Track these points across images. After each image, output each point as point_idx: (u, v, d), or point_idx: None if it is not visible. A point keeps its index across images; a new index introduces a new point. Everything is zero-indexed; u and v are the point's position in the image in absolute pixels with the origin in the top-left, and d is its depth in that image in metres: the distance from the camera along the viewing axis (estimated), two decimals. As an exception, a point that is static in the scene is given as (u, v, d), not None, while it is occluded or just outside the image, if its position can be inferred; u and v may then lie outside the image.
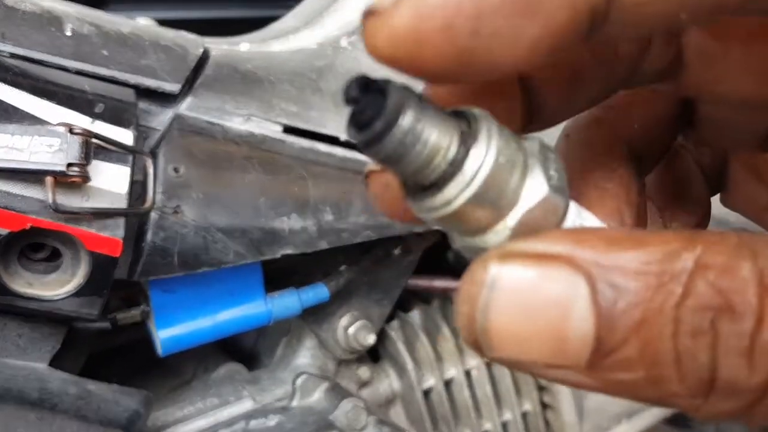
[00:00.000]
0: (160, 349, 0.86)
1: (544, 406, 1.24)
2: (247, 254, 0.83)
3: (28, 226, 0.67)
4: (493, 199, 0.23)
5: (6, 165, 0.66)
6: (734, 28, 0.26)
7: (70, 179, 0.68)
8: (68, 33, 0.76)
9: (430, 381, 1.12)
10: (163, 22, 0.99)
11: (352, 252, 1.01)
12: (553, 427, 1.23)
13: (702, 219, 0.35)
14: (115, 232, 0.71)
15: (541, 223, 0.23)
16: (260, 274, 0.93)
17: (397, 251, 1.05)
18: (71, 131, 0.68)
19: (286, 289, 0.96)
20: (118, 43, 0.79)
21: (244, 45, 0.91)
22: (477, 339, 0.22)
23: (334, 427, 0.99)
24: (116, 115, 0.74)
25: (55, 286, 0.72)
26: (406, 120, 0.21)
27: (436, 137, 0.22)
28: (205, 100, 0.83)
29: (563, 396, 1.21)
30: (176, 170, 0.79)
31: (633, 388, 0.20)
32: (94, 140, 0.70)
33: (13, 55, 0.72)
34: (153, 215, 0.77)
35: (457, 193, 0.22)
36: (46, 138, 0.67)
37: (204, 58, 0.84)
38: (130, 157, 0.73)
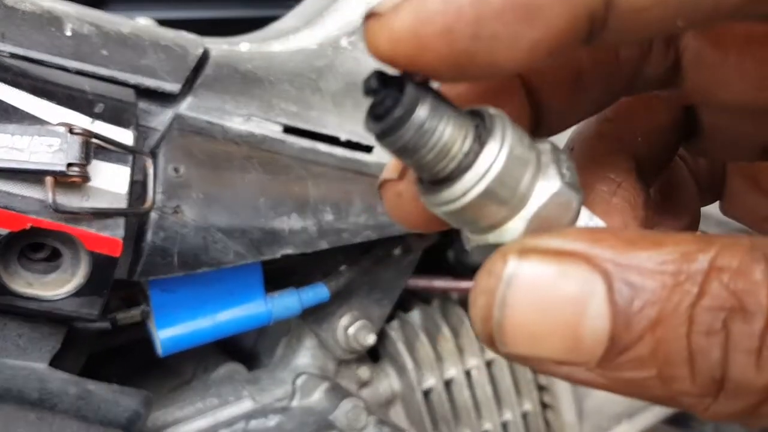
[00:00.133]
0: (160, 349, 0.86)
1: (544, 406, 1.24)
2: (247, 254, 0.83)
3: (28, 226, 0.67)
4: (506, 193, 0.23)
5: (6, 165, 0.66)
6: (731, 33, 0.26)
7: (70, 179, 0.68)
8: (68, 33, 0.76)
9: (430, 381, 1.12)
10: (163, 22, 0.99)
11: (352, 252, 1.01)
12: (553, 427, 1.23)
13: (687, 226, 0.35)
14: (115, 232, 0.71)
15: (555, 219, 0.24)
16: (260, 274, 0.93)
17: (397, 251, 1.05)
18: (71, 131, 0.68)
19: (286, 289, 0.96)
20: (118, 43, 0.79)
21: (244, 45, 0.91)
22: (491, 333, 0.22)
23: (334, 427, 0.99)
24: (116, 115, 0.74)
25: (55, 286, 0.72)
26: (423, 110, 0.22)
27: (451, 130, 0.22)
28: (205, 100, 0.83)
29: (563, 396, 1.21)
30: (176, 170, 0.79)
31: (643, 387, 0.21)
32: (94, 140, 0.70)
33: (13, 55, 0.72)
34: (153, 215, 0.77)
35: (471, 185, 0.22)
36: (46, 138, 0.67)
37: (204, 58, 0.84)
38: (130, 157, 0.73)
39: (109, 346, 1.01)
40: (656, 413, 1.30)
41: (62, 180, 0.68)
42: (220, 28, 1.06)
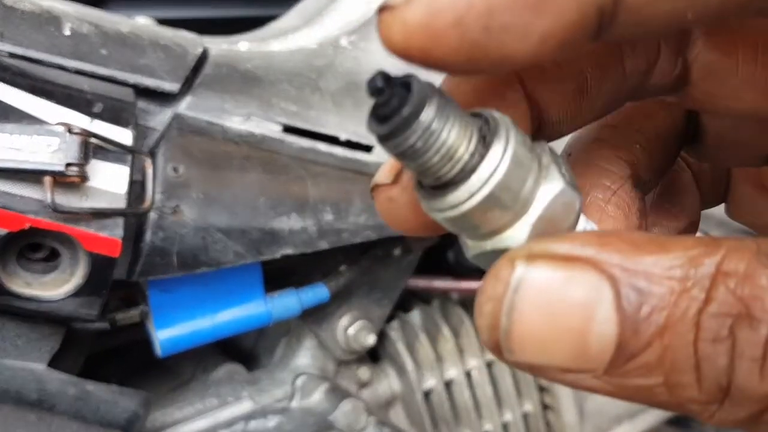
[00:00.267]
0: (159, 350, 0.86)
1: (545, 407, 1.24)
2: (247, 254, 0.83)
3: (26, 226, 0.67)
4: (511, 196, 0.22)
5: (5, 165, 0.66)
6: (742, 43, 0.26)
7: (69, 179, 0.67)
8: (67, 32, 0.76)
9: (431, 382, 1.12)
10: (162, 21, 0.99)
11: (352, 252, 1.01)
12: (554, 428, 1.23)
13: (687, 228, 0.35)
14: (113, 232, 0.71)
15: (559, 221, 0.23)
16: (260, 274, 0.93)
17: (397, 251, 1.05)
18: (70, 131, 0.68)
19: (286, 290, 0.96)
20: (117, 42, 0.78)
21: (243, 44, 0.91)
22: (498, 341, 0.22)
23: (334, 427, 0.99)
24: (115, 115, 0.73)
25: (54, 287, 0.72)
26: (430, 111, 0.21)
27: (457, 132, 0.22)
28: (204, 100, 0.83)
29: (564, 397, 1.21)
30: (175, 170, 0.79)
31: (649, 394, 0.21)
32: (92, 140, 0.70)
33: (11, 55, 0.72)
34: (152, 215, 0.77)
35: (476, 190, 0.22)
36: (45, 138, 0.67)
37: (203, 57, 0.84)
38: (129, 157, 0.73)
39: (108, 346, 1.01)
40: (657, 414, 1.29)
41: (61, 180, 0.67)
42: (220, 27, 1.06)
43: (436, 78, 0.23)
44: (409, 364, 1.10)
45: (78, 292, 0.72)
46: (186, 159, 0.80)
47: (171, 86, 0.80)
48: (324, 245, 0.88)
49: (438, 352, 1.13)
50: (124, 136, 0.73)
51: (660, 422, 1.31)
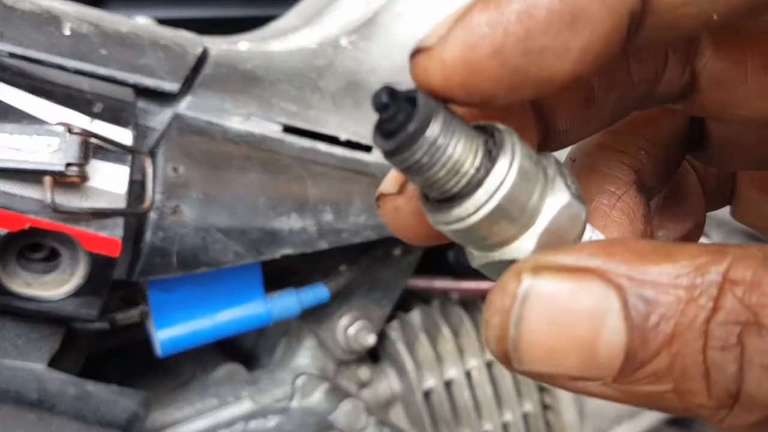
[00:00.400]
0: (159, 350, 0.86)
1: (545, 407, 1.24)
2: (247, 254, 0.83)
3: (26, 226, 0.67)
4: (516, 210, 0.22)
5: (4, 165, 0.66)
6: (752, 51, 0.26)
7: (69, 179, 0.67)
8: (67, 32, 0.76)
9: (431, 382, 1.12)
10: (162, 21, 0.99)
11: (352, 252, 1.01)
12: (554, 428, 1.23)
13: (692, 230, 0.35)
14: (113, 232, 0.71)
15: (564, 233, 0.23)
16: (260, 274, 0.93)
17: (397, 251, 1.05)
18: (70, 131, 0.68)
19: (286, 290, 0.96)
20: (116, 42, 0.78)
21: (243, 44, 0.91)
22: (507, 352, 0.22)
23: (334, 427, 0.99)
24: (115, 115, 0.73)
25: (54, 287, 0.72)
26: (436, 127, 0.21)
27: (462, 146, 0.22)
28: (204, 100, 0.83)
29: (564, 397, 1.21)
30: (175, 170, 0.79)
31: (659, 400, 0.21)
32: (92, 140, 0.70)
33: (11, 55, 0.72)
34: (152, 215, 0.77)
35: (482, 203, 0.22)
36: (45, 138, 0.67)
37: (203, 57, 0.84)
38: (129, 157, 0.73)
39: (108, 346, 1.01)
40: (657, 414, 1.29)
41: (61, 180, 0.67)
42: (220, 27, 1.06)
43: None
44: (409, 364, 1.10)
45: (78, 292, 0.72)
46: (186, 159, 0.80)
47: (171, 86, 0.80)
48: (324, 245, 0.88)
49: (438, 352, 1.13)
50: (124, 136, 0.73)
51: (660, 422, 1.31)
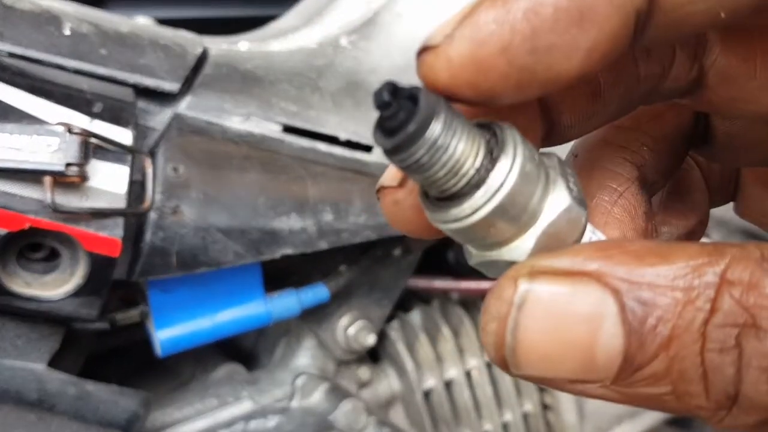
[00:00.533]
0: (159, 350, 0.86)
1: (545, 406, 1.24)
2: (247, 254, 0.83)
3: (26, 226, 0.67)
4: (517, 210, 0.22)
5: (4, 165, 0.66)
6: (761, 47, 0.26)
7: (69, 179, 0.67)
8: (66, 32, 0.76)
9: (431, 382, 1.12)
10: (162, 21, 0.99)
11: (352, 252, 1.01)
12: (554, 428, 1.23)
13: (696, 227, 0.35)
14: (113, 232, 0.71)
15: (564, 236, 0.23)
16: (260, 274, 0.92)
17: (397, 251, 1.05)
18: (70, 131, 0.68)
19: (286, 290, 0.96)
20: (116, 42, 0.78)
21: (243, 44, 0.91)
22: (505, 357, 0.22)
23: (334, 427, 0.99)
24: (115, 115, 0.73)
25: (54, 287, 0.72)
26: (438, 125, 0.21)
27: (463, 146, 0.22)
28: (204, 100, 0.83)
29: (564, 397, 1.21)
30: (175, 170, 0.79)
31: (658, 401, 0.21)
32: (92, 140, 0.70)
33: (11, 54, 0.72)
34: (152, 215, 0.77)
35: (484, 202, 0.22)
36: (45, 137, 0.67)
37: (203, 57, 0.84)
38: (129, 157, 0.73)
39: (108, 346, 1.01)
40: (657, 414, 1.29)
41: (61, 180, 0.67)
42: (220, 27, 1.06)
43: None
44: (409, 364, 1.10)
45: (78, 292, 0.72)
46: (186, 159, 0.80)
47: (171, 86, 0.80)
48: (324, 245, 0.88)
49: (438, 352, 1.13)
50: (124, 136, 0.73)
51: (660, 422, 1.31)
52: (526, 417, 1.20)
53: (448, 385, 1.14)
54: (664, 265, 0.20)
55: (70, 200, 0.69)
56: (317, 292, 0.97)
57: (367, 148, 0.91)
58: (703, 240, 0.33)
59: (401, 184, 0.26)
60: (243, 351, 1.15)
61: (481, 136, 0.22)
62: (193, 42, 0.84)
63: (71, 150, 0.67)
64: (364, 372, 1.10)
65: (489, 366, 1.16)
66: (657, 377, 0.20)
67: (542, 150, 0.25)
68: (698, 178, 0.36)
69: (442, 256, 1.18)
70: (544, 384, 0.22)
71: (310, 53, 0.92)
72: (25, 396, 0.73)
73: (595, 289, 0.20)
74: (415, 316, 1.14)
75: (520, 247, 0.23)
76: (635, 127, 0.31)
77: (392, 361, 1.13)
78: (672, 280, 0.20)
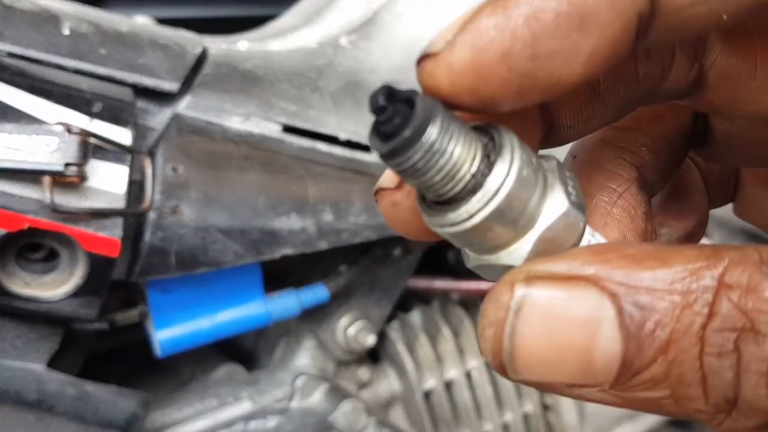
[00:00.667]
0: (158, 350, 0.86)
1: (545, 407, 1.23)
2: (246, 254, 0.83)
3: (25, 226, 0.67)
4: (514, 215, 0.22)
5: (3, 165, 0.65)
6: (761, 47, 0.26)
7: (68, 179, 0.67)
8: (66, 32, 0.75)
9: (431, 382, 1.11)
10: (161, 21, 0.99)
11: (352, 252, 1.00)
12: (554, 428, 1.23)
13: (695, 228, 0.35)
14: (112, 233, 0.70)
15: (561, 240, 0.23)
16: (259, 274, 0.92)
17: (397, 251, 1.04)
18: (69, 131, 0.67)
19: (286, 290, 0.96)
20: (116, 41, 0.78)
21: (242, 44, 0.91)
22: (502, 362, 0.22)
23: (334, 428, 0.99)
24: (114, 114, 0.73)
25: (53, 287, 0.72)
26: (434, 130, 0.21)
27: (460, 150, 0.21)
28: (203, 99, 0.83)
29: (564, 398, 1.20)
30: (175, 170, 0.78)
31: (657, 405, 0.21)
32: (92, 140, 0.69)
33: (10, 54, 0.72)
34: (151, 215, 0.76)
35: (480, 207, 0.22)
36: (44, 137, 0.67)
37: (203, 57, 0.84)
38: (129, 157, 0.73)
39: (108, 346, 1.01)
40: (657, 416, 1.29)
41: (60, 180, 0.67)
42: (219, 27, 1.06)
43: None
44: (409, 365, 1.10)
45: (77, 293, 0.72)
46: (185, 159, 0.80)
47: (170, 86, 0.80)
48: (324, 245, 0.88)
49: (438, 353, 1.13)
50: (123, 135, 0.73)
51: (660, 423, 1.31)
52: (526, 417, 1.20)
53: (448, 385, 1.14)
54: (662, 268, 0.20)
55: (69, 200, 0.68)
56: (317, 293, 0.97)
57: (367, 148, 0.91)
58: (704, 241, 0.33)
59: (399, 185, 0.26)
60: (243, 351, 1.15)
61: (478, 140, 0.22)
62: (192, 41, 0.84)
63: (70, 150, 0.67)
64: (363, 372, 1.09)
65: (489, 366, 1.16)
66: (655, 381, 0.20)
67: (541, 152, 0.25)
68: (697, 179, 0.35)
69: (442, 256, 1.18)
70: (542, 388, 0.22)
71: (310, 53, 0.92)
72: (25, 396, 0.73)
73: (593, 294, 0.20)
74: (415, 317, 1.14)
75: (518, 251, 0.23)
76: (634, 128, 0.31)
77: (392, 362, 1.13)
78: (670, 284, 0.20)
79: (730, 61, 0.27)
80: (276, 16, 1.09)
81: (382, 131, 0.21)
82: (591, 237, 0.26)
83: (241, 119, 0.85)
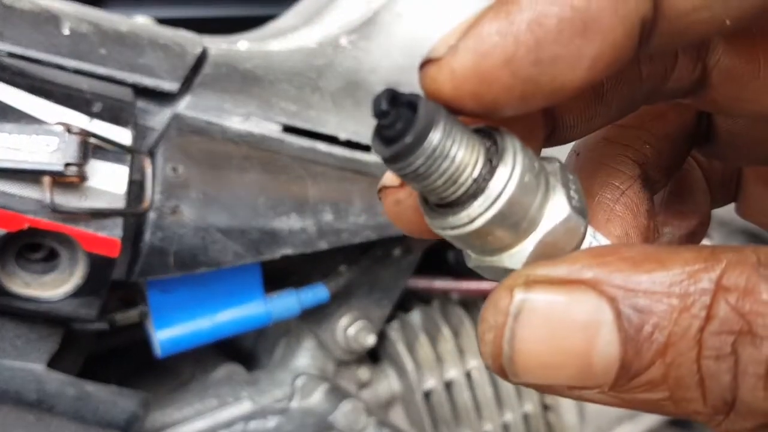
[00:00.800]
0: (158, 350, 0.86)
1: (545, 407, 1.23)
2: (246, 255, 0.83)
3: (25, 226, 0.67)
4: (515, 219, 0.22)
5: (3, 165, 0.65)
6: (764, 47, 0.26)
7: (68, 179, 0.67)
8: (66, 32, 0.75)
9: (431, 382, 1.11)
10: (161, 21, 0.99)
11: (352, 252, 1.00)
12: (554, 428, 1.23)
13: (697, 227, 0.35)
14: (112, 233, 0.70)
15: (561, 245, 0.23)
16: (259, 274, 0.92)
17: (397, 251, 1.04)
18: (69, 131, 0.67)
19: (286, 290, 0.96)
20: (116, 41, 0.78)
21: (242, 44, 0.91)
22: (502, 366, 0.22)
23: (334, 428, 0.99)
24: (114, 114, 0.73)
25: (53, 287, 0.72)
26: (436, 135, 0.21)
27: (462, 154, 0.21)
28: (203, 99, 0.83)
29: (564, 398, 1.20)
30: (175, 170, 0.78)
31: (656, 406, 0.21)
32: (92, 140, 0.69)
33: (10, 54, 0.72)
34: (151, 215, 0.76)
35: (481, 211, 0.22)
36: (44, 137, 0.67)
37: (203, 56, 0.84)
38: (129, 157, 0.73)
39: (108, 346, 1.01)
40: (657, 416, 1.29)
41: (60, 180, 0.67)
42: (219, 27, 1.06)
43: None
44: (409, 365, 1.10)
45: (77, 293, 0.72)
46: (185, 159, 0.80)
47: (170, 86, 0.80)
48: (324, 245, 0.88)
49: (438, 353, 1.13)
50: (123, 135, 0.73)
51: (661, 423, 1.31)
52: (526, 417, 1.20)
53: (448, 385, 1.14)
54: (660, 271, 0.20)
55: (69, 200, 0.68)
56: (317, 293, 0.97)
57: (367, 148, 0.91)
58: (704, 241, 0.33)
59: (402, 184, 0.26)
60: (243, 351, 1.15)
61: (480, 144, 0.22)
62: (192, 41, 0.84)
63: (70, 150, 0.67)
64: (363, 372, 1.09)
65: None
66: (654, 383, 0.20)
67: (544, 155, 0.25)
68: (699, 178, 0.35)
69: (442, 256, 1.18)
70: (543, 390, 0.22)
71: (310, 53, 0.92)
72: (25, 396, 0.73)
73: (591, 297, 0.20)
74: (415, 317, 1.14)
75: (518, 255, 0.23)
76: (638, 126, 0.31)
77: (392, 362, 1.13)
78: (668, 287, 0.20)
79: (734, 60, 0.27)
80: (276, 16, 1.09)
81: (384, 135, 0.21)
82: (593, 239, 0.26)
83: (241, 119, 0.85)
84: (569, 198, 0.23)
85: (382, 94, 0.21)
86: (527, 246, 0.23)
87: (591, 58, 0.20)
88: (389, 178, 0.26)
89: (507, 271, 0.23)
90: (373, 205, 0.91)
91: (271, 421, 0.98)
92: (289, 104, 0.88)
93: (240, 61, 0.87)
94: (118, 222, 0.71)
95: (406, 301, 1.16)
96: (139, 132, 0.78)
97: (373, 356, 1.15)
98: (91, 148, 0.70)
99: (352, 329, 1.04)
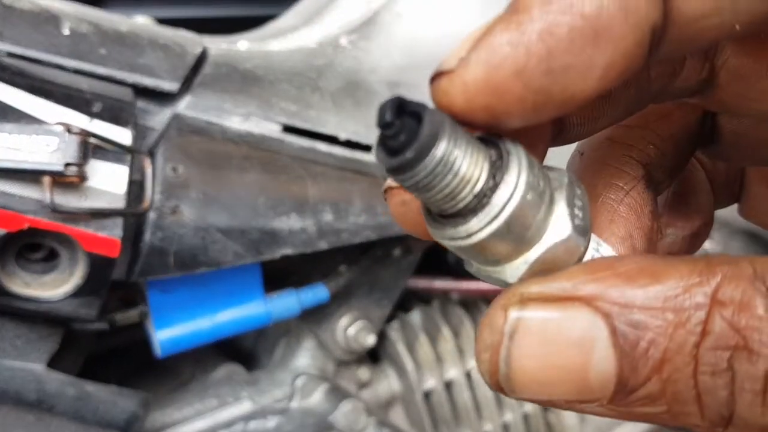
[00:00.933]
0: (158, 350, 0.86)
1: (545, 408, 1.23)
2: (246, 255, 0.83)
3: (25, 226, 0.67)
4: (516, 234, 0.22)
5: (3, 165, 0.65)
6: None
7: (68, 179, 0.67)
8: (66, 32, 0.75)
9: (431, 382, 1.11)
10: (161, 21, 0.99)
11: (352, 252, 1.00)
12: (554, 428, 1.22)
13: (700, 228, 0.35)
14: (112, 233, 0.70)
15: (560, 262, 0.23)
16: (259, 274, 0.92)
17: (397, 251, 1.04)
18: (69, 131, 0.67)
19: (286, 290, 0.96)
20: (116, 41, 0.78)
21: (242, 44, 0.91)
22: (500, 383, 0.22)
23: (334, 428, 0.99)
24: (114, 114, 0.73)
25: (53, 287, 0.72)
26: (440, 150, 0.21)
27: (466, 167, 0.21)
28: (203, 99, 0.83)
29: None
30: (175, 170, 0.78)
31: (656, 419, 0.21)
32: (92, 140, 0.69)
33: (10, 54, 0.72)
34: (151, 215, 0.76)
35: (483, 226, 0.22)
36: (44, 137, 0.67)
37: (203, 56, 0.84)
38: (129, 157, 0.73)
39: (108, 347, 1.01)
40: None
41: (60, 180, 0.67)
42: (219, 26, 1.06)
43: None
44: (409, 365, 1.10)
45: (77, 293, 0.72)
46: (185, 159, 0.80)
47: (170, 86, 0.80)
48: (324, 245, 0.88)
49: (438, 353, 1.13)
50: (123, 135, 0.73)
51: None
52: (526, 418, 1.20)
53: (448, 385, 1.14)
54: (655, 285, 0.20)
55: (69, 200, 0.68)
56: (317, 293, 0.97)
57: (367, 148, 0.91)
58: (706, 242, 0.33)
59: None
60: (243, 351, 1.15)
61: (484, 157, 0.22)
62: (192, 41, 0.84)
63: (70, 150, 0.67)
64: (363, 372, 1.09)
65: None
66: (652, 398, 0.20)
67: (552, 164, 0.25)
68: (703, 179, 0.35)
69: (442, 256, 1.18)
70: (542, 404, 0.23)
71: (310, 53, 0.92)
72: (25, 396, 0.73)
73: (586, 314, 0.20)
74: (415, 317, 1.14)
75: (516, 269, 0.23)
76: (642, 126, 0.31)
77: (392, 362, 1.13)
78: (663, 302, 0.20)
79: (742, 60, 0.27)
80: (276, 16, 1.09)
81: (387, 146, 0.21)
82: (595, 252, 0.26)
83: (241, 119, 0.85)
84: (572, 216, 0.23)
85: (387, 103, 0.21)
86: (525, 261, 0.23)
87: (602, 66, 0.20)
88: None
89: (505, 283, 0.23)
90: (373, 205, 0.91)
91: (271, 421, 0.98)
92: (289, 104, 0.88)
93: (240, 61, 0.87)
94: (118, 222, 0.71)
95: (406, 301, 1.16)
96: (139, 132, 0.78)
97: (373, 356, 1.15)
98: (91, 148, 0.70)
99: (352, 329, 1.04)
